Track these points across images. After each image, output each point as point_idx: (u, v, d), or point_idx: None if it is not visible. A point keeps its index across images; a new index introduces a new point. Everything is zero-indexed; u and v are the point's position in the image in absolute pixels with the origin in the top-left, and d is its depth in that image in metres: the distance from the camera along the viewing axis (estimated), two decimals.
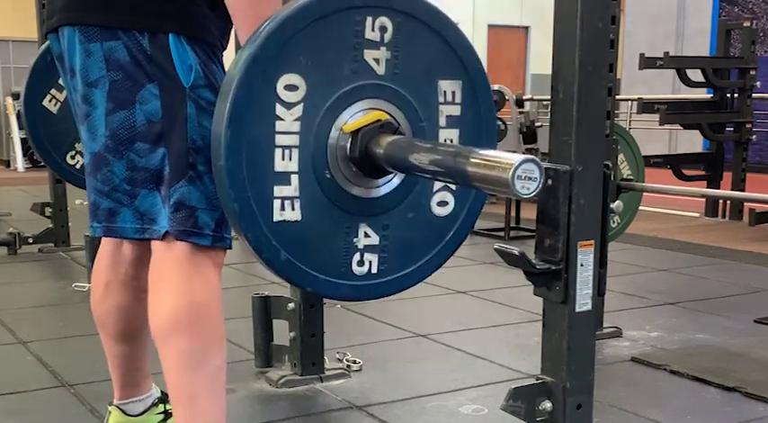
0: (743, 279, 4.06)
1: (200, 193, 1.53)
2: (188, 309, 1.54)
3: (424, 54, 1.46)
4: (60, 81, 3.00)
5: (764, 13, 10.73)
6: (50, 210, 4.64)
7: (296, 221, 1.39)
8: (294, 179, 1.38)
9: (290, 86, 1.35)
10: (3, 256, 4.50)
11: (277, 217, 1.37)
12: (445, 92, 1.49)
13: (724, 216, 6.22)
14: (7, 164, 10.96)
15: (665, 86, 10.12)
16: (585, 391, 1.54)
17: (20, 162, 10.46)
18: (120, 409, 1.88)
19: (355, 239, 1.46)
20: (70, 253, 4.57)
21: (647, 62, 5.70)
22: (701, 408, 2.29)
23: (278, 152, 1.36)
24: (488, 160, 1.27)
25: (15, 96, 10.77)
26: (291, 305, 2.39)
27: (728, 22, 6.71)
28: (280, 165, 1.36)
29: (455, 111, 1.50)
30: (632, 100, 8.01)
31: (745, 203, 6.04)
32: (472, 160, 1.28)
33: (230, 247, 1.60)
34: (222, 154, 1.31)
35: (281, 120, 1.35)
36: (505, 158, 1.24)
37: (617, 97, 3.46)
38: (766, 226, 5.41)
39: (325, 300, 2.41)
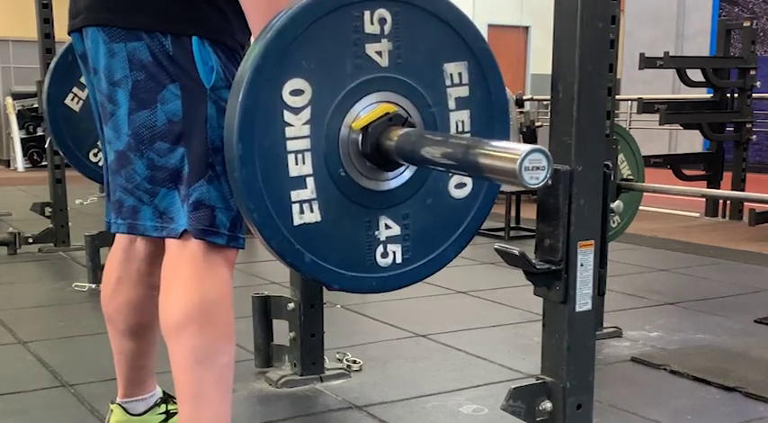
0: (743, 279, 4.06)
1: (219, 192, 1.56)
2: (199, 306, 1.55)
3: (426, 40, 1.45)
4: (82, 79, 3.04)
5: (764, 13, 10.72)
6: (50, 210, 4.64)
7: (316, 223, 1.40)
8: (310, 182, 1.39)
9: (296, 91, 1.35)
10: (3, 256, 4.50)
11: (297, 221, 1.38)
12: (452, 74, 1.48)
13: (724, 216, 6.22)
14: (7, 164, 10.97)
15: (665, 86, 10.12)
16: (585, 391, 1.54)
17: (20, 162, 10.46)
18: (123, 408, 1.89)
19: (377, 232, 1.46)
20: (70, 253, 4.57)
21: (647, 62, 5.70)
22: (701, 408, 2.29)
23: (291, 158, 1.36)
24: (496, 151, 1.27)
25: (15, 96, 10.79)
26: (291, 305, 2.39)
27: (728, 21, 6.71)
28: (294, 170, 1.37)
29: (463, 92, 1.50)
30: (632, 100, 8.01)
31: (745, 203, 6.04)
32: (481, 152, 1.28)
33: (243, 247, 1.62)
34: (236, 166, 1.33)
35: (291, 125, 1.36)
36: (513, 149, 1.24)
37: (617, 97, 3.47)
38: (766, 226, 5.41)
39: (325, 299, 2.42)
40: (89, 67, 1.63)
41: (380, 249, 1.47)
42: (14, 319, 3.16)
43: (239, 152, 1.32)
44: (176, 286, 1.57)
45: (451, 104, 1.50)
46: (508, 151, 1.25)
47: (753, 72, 6.08)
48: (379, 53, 1.41)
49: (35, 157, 10.65)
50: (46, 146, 4.64)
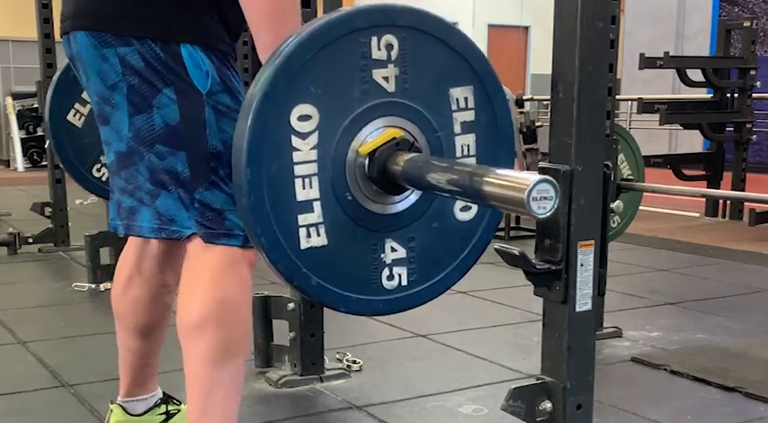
0: (743, 279, 4.06)
1: (225, 195, 1.56)
2: (219, 305, 1.56)
3: (432, 65, 1.46)
4: (84, 95, 3.06)
5: (764, 13, 10.72)
6: (50, 210, 4.65)
7: (323, 246, 1.40)
8: (317, 206, 1.39)
9: (304, 117, 1.36)
10: (3, 256, 4.50)
11: (304, 245, 1.38)
12: (457, 99, 1.49)
13: (724, 216, 6.22)
14: (7, 164, 10.97)
15: (665, 86, 10.12)
16: (585, 391, 1.54)
17: (20, 162, 10.47)
18: (122, 408, 1.89)
19: (383, 255, 1.47)
20: (70, 253, 4.57)
21: (647, 62, 5.70)
22: (701, 408, 2.29)
23: (298, 182, 1.37)
24: (504, 181, 1.27)
25: (15, 96, 10.79)
26: (291, 305, 2.39)
27: (728, 22, 6.71)
28: (301, 194, 1.37)
29: (469, 116, 1.50)
30: (632, 100, 8.01)
31: (745, 203, 6.04)
32: (487, 180, 1.29)
33: None
34: (245, 192, 1.33)
35: (298, 150, 1.36)
36: (521, 179, 1.25)
37: (617, 97, 3.47)
38: (766, 226, 5.41)
39: None
40: (80, 70, 1.62)
41: (386, 272, 1.47)
42: (14, 319, 3.16)
43: (248, 177, 1.32)
44: (197, 287, 1.58)
45: (457, 129, 1.50)
46: (516, 181, 1.25)
47: (753, 72, 6.08)
48: (386, 78, 1.42)
49: (35, 157, 10.65)
50: (46, 146, 4.64)
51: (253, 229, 1.35)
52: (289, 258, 1.37)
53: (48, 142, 4.55)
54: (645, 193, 3.37)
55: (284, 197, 1.36)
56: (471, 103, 1.50)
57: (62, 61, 3.26)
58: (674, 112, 5.98)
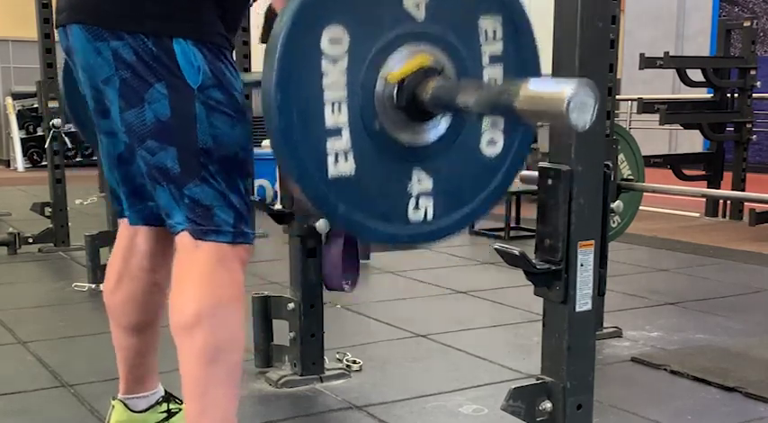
0: (743, 279, 4.06)
1: (215, 191, 1.56)
2: (211, 304, 1.55)
3: None
4: None
5: (764, 12, 10.73)
6: (50, 210, 4.65)
7: (350, 174, 1.39)
8: (345, 132, 1.38)
9: (334, 40, 1.34)
10: (3, 256, 4.50)
11: (332, 172, 1.37)
12: (486, 30, 1.47)
13: (724, 216, 6.22)
14: (7, 164, 10.97)
15: (665, 86, 10.12)
16: (585, 391, 1.54)
17: (20, 162, 10.47)
18: (124, 404, 1.89)
19: (409, 186, 1.46)
20: (70, 253, 4.57)
21: (647, 62, 5.70)
22: (701, 408, 2.29)
23: (327, 107, 1.36)
24: (539, 93, 1.24)
25: (15, 96, 10.79)
26: (291, 305, 2.39)
27: (728, 21, 6.71)
28: (330, 120, 1.36)
29: (497, 48, 1.48)
30: (632, 100, 8.01)
31: (746, 203, 6.03)
32: (522, 94, 1.24)
33: (251, 243, 1.63)
34: (274, 116, 1.31)
35: (328, 75, 1.35)
36: (557, 88, 1.20)
37: (617, 97, 3.46)
38: (766, 226, 5.41)
39: (325, 299, 2.42)
40: (75, 62, 1.63)
41: (412, 203, 1.46)
42: (14, 319, 3.16)
43: (277, 102, 1.30)
44: (188, 285, 1.58)
45: (485, 60, 1.48)
46: (553, 91, 1.21)
47: (753, 72, 6.08)
48: (417, 5, 1.40)
49: (35, 157, 10.65)
50: (46, 146, 4.64)
51: (282, 154, 1.34)
52: (316, 185, 1.36)
53: (48, 141, 4.57)
54: (645, 193, 3.37)
55: (313, 122, 1.34)
56: (500, 35, 1.48)
57: (62, 60, 3.25)
58: (674, 112, 5.98)
